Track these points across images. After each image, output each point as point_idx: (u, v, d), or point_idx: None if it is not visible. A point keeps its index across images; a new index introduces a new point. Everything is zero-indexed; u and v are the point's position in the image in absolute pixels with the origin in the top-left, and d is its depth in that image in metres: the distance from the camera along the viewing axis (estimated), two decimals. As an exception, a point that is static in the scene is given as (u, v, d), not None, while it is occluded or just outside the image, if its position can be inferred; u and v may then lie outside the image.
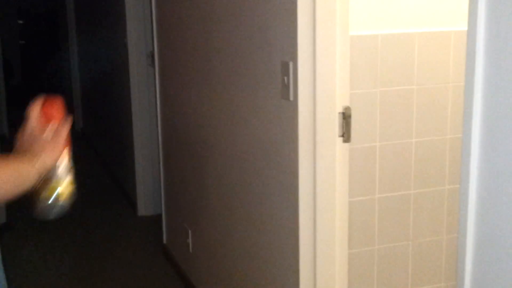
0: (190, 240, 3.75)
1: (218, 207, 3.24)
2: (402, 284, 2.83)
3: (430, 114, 2.74)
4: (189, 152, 3.68)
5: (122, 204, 5.59)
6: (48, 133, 1.41)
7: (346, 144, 2.29)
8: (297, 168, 2.28)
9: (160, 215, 4.50)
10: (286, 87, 2.28)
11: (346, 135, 2.27)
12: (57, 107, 1.46)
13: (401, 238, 2.78)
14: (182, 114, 3.77)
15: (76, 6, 8.14)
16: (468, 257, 1.54)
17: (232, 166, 2.98)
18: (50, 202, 1.42)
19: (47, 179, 1.42)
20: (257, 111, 2.61)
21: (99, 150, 7.26)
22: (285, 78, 2.27)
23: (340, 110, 2.24)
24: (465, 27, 1.46)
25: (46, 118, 1.43)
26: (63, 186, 1.44)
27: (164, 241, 4.44)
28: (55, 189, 1.43)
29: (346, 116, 2.25)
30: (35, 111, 1.43)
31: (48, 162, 1.41)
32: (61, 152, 1.44)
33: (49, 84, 11.08)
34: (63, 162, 1.44)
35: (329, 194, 2.30)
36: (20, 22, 11.98)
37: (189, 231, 3.75)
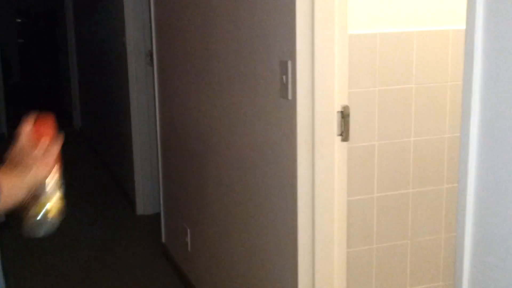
0: (189, 239, 3.75)
1: (217, 206, 3.24)
2: (401, 283, 2.84)
3: (428, 113, 2.74)
4: (188, 151, 3.68)
5: (121, 203, 5.59)
6: (39, 149, 1.41)
7: (345, 143, 2.29)
8: (296, 167, 2.28)
9: (159, 214, 4.50)
10: (284, 86, 2.28)
11: (344, 134, 2.27)
12: (48, 125, 1.46)
13: (399, 237, 2.79)
14: (181, 113, 3.77)
15: (74, 5, 8.14)
16: (466, 256, 1.54)
17: (231, 165, 2.98)
18: (38, 218, 1.41)
19: (36, 195, 1.41)
20: (256, 110, 2.61)
21: (98, 149, 7.25)
22: (284, 77, 2.27)
23: (339, 109, 2.24)
24: (463, 26, 1.46)
25: (37, 136, 1.43)
26: (53, 203, 1.43)
27: (163, 240, 4.44)
28: (44, 205, 1.42)
29: (344, 115, 2.25)
30: (26, 128, 1.43)
31: (38, 177, 1.40)
32: (52, 168, 1.43)
33: (48, 83, 11.08)
34: (53, 179, 1.44)
35: (327, 193, 2.30)
36: (19, 20, 11.98)
37: (188, 230, 3.75)
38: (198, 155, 3.47)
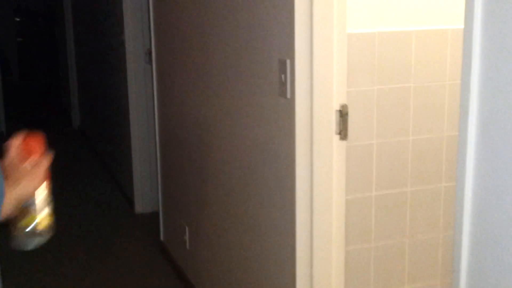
0: (187, 237, 3.76)
1: (215, 204, 3.25)
2: (399, 281, 2.84)
3: (427, 112, 2.75)
4: (186, 149, 3.69)
5: (120, 202, 5.59)
6: (29, 163, 1.41)
7: (343, 142, 2.30)
8: (294, 165, 2.29)
9: (157, 213, 4.51)
10: (283, 84, 2.28)
11: (343, 133, 2.27)
12: (37, 142, 1.45)
13: (397, 236, 2.79)
14: (180, 111, 3.77)
15: (73, 4, 8.13)
16: (464, 254, 1.54)
17: (229, 163, 2.98)
18: (27, 231, 1.42)
19: (25, 208, 1.41)
20: (254, 108, 2.61)
21: (96, 147, 7.25)
22: (283, 76, 2.28)
23: (337, 107, 2.25)
24: (462, 25, 1.46)
25: (27, 152, 1.43)
26: (41, 218, 1.43)
27: (162, 238, 4.44)
28: (33, 219, 1.42)
29: (343, 114, 2.25)
30: (16, 143, 1.44)
31: (28, 190, 1.40)
32: (41, 183, 1.43)
33: (47, 82, 11.08)
34: (43, 194, 1.44)
35: (326, 191, 2.31)
36: (18, 19, 11.97)
37: (186, 229, 3.76)
38: (197, 154, 3.47)
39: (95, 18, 6.65)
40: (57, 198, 4.94)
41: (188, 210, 3.76)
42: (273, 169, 2.48)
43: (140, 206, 5.25)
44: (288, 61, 2.24)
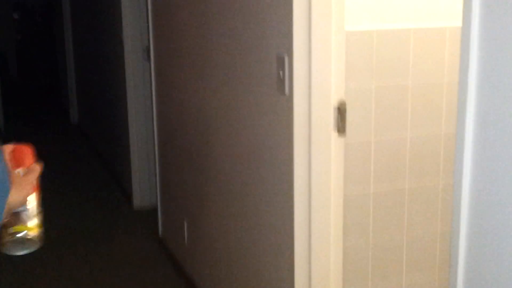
0: (185, 232, 3.76)
1: (213, 200, 3.25)
2: (396, 277, 2.85)
3: (425, 110, 2.75)
4: (185, 145, 3.69)
5: (118, 198, 5.60)
6: (22, 170, 1.41)
7: (341, 139, 2.31)
8: (292, 161, 2.29)
9: (156, 208, 4.51)
10: (281, 81, 2.29)
11: (341, 130, 2.28)
12: (27, 153, 1.45)
13: (395, 232, 2.80)
14: (178, 108, 3.77)
15: (72, 1, 8.13)
16: (461, 250, 1.55)
17: (227, 159, 2.99)
18: (17, 237, 1.41)
19: (16, 215, 1.41)
20: (253, 104, 2.62)
21: (95, 144, 7.26)
22: (281, 72, 2.28)
23: (335, 104, 2.26)
24: (460, 23, 1.47)
25: (16, 163, 1.42)
26: (30, 228, 1.43)
27: (160, 233, 4.45)
28: (24, 226, 1.42)
29: (341, 111, 2.26)
30: (7, 149, 1.43)
31: (20, 196, 1.39)
32: (33, 190, 1.43)
33: (45, 79, 11.07)
34: (32, 204, 1.44)
35: (324, 188, 2.31)
36: (16, 17, 11.95)
37: (185, 224, 3.76)
38: (196, 150, 3.48)
39: (93, 16, 6.64)
40: (56, 194, 4.95)
41: (187, 205, 3.76)
42: (271, 165, 2.49)
43: (139, 202, 5.25)
44: (286, 58, 2.25)
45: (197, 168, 3.47)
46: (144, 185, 5.23)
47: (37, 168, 1.43)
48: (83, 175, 6.36)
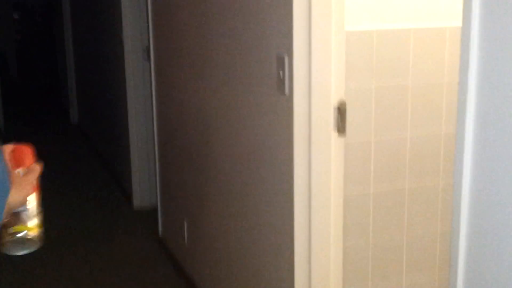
0: (185, 232, 3.77)
1: (213, 200, 3.26)
2: (397, 276, 2.85)
3: (425, 110, 2.75)
4: (185, 145, 3.69)
5: (118, 198, 5.60)
6: (22, 170, 1.40)
7: (341, 139, 2.31)
8: (292, 162, 2.29)
9: (156, 208, 4.52)
10: (281, 81, 2.29)
11: (341, 130, 2.28)
12: (27, 153, 1.45)
13: (395, 232, 2.80)
14: (178, 107, 3.77)
15: (72, 1, 8.13)
16: (461, 250, 1.55)
17: (228, 159, 2.99)
18: (17, 237, 1.41)
19: (16, 215, 1.41)
20: (253, 104, 2.62)
21: (94, 144, 7.26)
22: (281, 72, 2.28)
23: (336, 104, 2.26)
24: (460, 23, 1.47)
25: (16, 163, 1.42)
26: (30, 228, 1.42)
27: (160, 233, 4.45)
28: (24, 226, 1.41)
29: (341, 111, 2.26)
30: (8, 149, 1.43)
31: (20, 196, 1.38)
32: (33, 190, 1.42)
33: (45, 79, 11.07)
34: (32, 204, 1.43)
35: (324, 188, 2.31)
36: (16, 17, 11.95)
37: (185, 224, 3.76)
38: (195, 150, 3.48)
39: (93, 16, 6.65)
40: (56, 194, 4.94)
41: (187, 205, 3.76)
42: (271, 165, 2.49)
43: (139, 202, 5.26)
44: (286, 58, 2.25)
45: (197, 168, 3.47)
46: (144, 185, 5.23)
47: (37, 168, 1.42)
48: (83, 175, 6.36)
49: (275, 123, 2.41)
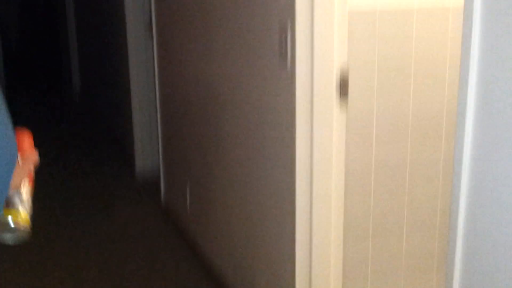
0: (188, 200, 3.79)
1: (216, 168, 3.28)
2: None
3: (427, 91, 2.74)
4: (187, 114, 3.71)
5: (121, 166, 5.61)
6: (19, 156, 1.40)
7: (343, 112, 2.32)
8: (294, 127, 2.33)
9: (158, 174, 4.55)
10: (284, 48, 2.30)
11: (343, 102, 2.29)
12: (25, 140, 1.44)
13: (396, 195, 2.79)
14: (181, 76, 3.78)
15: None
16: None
17: (231, 127, 3.01)
18: (8, 224, 1.39)
19: (9, 201, 1.40)
20: (255, 73, 2.64)
21: (97, 115, 7.24)
22: (283, 40, 2.29)
23: (338, 74, 2.27)
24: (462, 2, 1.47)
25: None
26: (19, 216, 1.41)
27: (162, 201, 4.47)
28: (16, 214, 1.40)
29: (343, 79, 2.27)
30: None
31: (15, 182, 1.37)
32: (25, 179, 1.42)
33: (46, 52, 11.03)
34: (25, 190, 1.42)
35: (326, 157, 2.34)
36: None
37: (187, 191, 3.79)
38: (199, 119, 3.49)
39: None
40: (57, 163, 4.93)
41: (189, 173, 3.78)
42: (274, 133, 2.51)
43: (141, 170, 5.27)
44: (289, 28, 2.26)
45: (200, 135, 3.49)
46: (147, 154, 5.25)
47: (33, 157, 1.42)
48: (85, 143, 6.37)
49: (277, 90, 2.43)
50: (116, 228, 4.33)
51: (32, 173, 1.43)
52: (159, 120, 4.37)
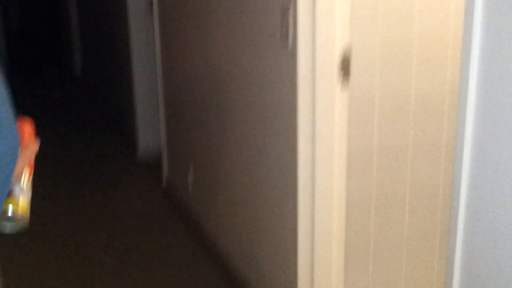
0: (190, 179, 3.80)
1: (218, 150, 3.29)
2: (398, 224, 2.85)
3: (429, 70, 2.73)
4: (190, 96, 3.71)
5: (123, 148, 5.61)
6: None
7: (346, 93, 2.31)
8: (296, 112, 2.33)
9: (160, 156, 4.55)
10: (286, 29, 2.29)
11: (345, 82, 2.28)
12: (27, 129, 1.43)
13: (398, 176, 2.79)
14: (183, 54, 3.77)
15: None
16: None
17: (234, 108, 3.01)
18: (7, 213, 1.39)
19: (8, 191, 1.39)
20: (257, 54, 2.63)
21: (98, 95, 7.24)
22: (285, 22, 2.28)
23: (340, 57, 2.26)
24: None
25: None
26: (19, 205, 1.40)
27: (164, 181, 4.49)
28: (15, 203, 1.39)
29: (345, 65, 2.26)
30: None
31: (16, 170, 1.37)
32: (25, 168, 1.41)
33: (48, 31, 10.99)
34: (24, 182, 1.41)
35: (328, 138, 2.34)
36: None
37: (189, 173, 3.79)
38: (201, 101, 3.50)
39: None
40: (60, 142, 4.92)
41: (191, 155, 3.79)
42: (276, 113, 2.51)
43: (144, 151, 5.27)
44: (291, 9, 2.25)
45: (202, 116, 3.49)
46: (149, 136, 5.25)
47: (34, 147, 1.41)
48: (86, 124, 6.37)
49: (279, 71, 2.44)
50: (118, 209, 4.35)
51: (32, 162, 1.43)
52: (161, 99, 4.37)
